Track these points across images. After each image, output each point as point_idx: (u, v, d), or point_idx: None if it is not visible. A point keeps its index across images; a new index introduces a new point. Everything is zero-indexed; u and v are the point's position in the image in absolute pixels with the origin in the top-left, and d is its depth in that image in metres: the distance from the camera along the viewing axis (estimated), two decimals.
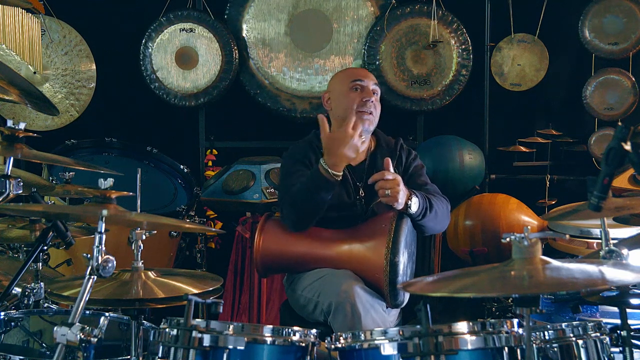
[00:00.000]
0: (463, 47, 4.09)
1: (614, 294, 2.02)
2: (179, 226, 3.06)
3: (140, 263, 2.02)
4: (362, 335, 1.73)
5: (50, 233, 2.19)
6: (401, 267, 2.47)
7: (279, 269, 2.85)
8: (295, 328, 1.77)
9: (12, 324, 2.20)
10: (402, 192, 2.48)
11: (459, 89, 4.13)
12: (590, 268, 1.53)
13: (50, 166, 3.63)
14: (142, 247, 2.01)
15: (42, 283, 2.31)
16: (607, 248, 1.95)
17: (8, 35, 2.83)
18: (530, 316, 1.53)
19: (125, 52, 4.21)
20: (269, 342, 1.72)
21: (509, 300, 3.43)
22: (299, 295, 2.64)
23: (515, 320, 1.71)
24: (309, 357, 1.77)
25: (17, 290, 2.29)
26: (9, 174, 2.07)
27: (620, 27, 3.96)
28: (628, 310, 1.90)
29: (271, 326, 1.73)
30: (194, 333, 1.64)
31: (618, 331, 1.87)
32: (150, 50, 4.14)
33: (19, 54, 2.95)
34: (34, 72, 3.94)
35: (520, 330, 1.69)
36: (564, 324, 1.86)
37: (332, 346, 1.79)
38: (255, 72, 4.24)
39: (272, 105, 4.25)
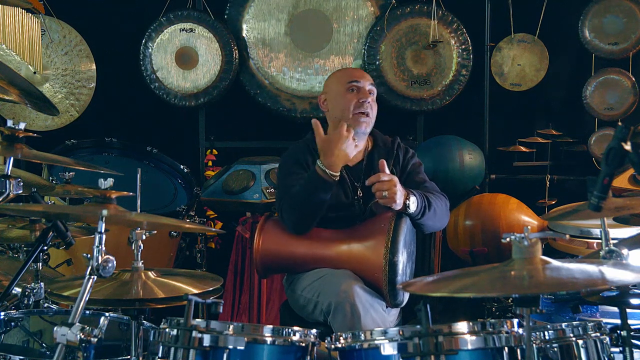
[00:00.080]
0: (463, 47, 4.09)
1: (614, 294, 2.02)
2: (179, 226, 3.06)
3: (140, 263, 2.02)
4: (362, 335, 1.73)
5: (50, 233, 2.19)
6: (400, 266, 2.47)
7: (279, 269, 2.85)
8: (295, 328, 1.77)
9: (12, 324, 2.20)
10: (400, 192, 2.48)
11: (459, 89, 4.13)
12: (590, 268, 1.53)
13: (50, 166, 3.63)
14: (142, 247, 2.01)
15: (42, 283, 2.31)
16: (607, 248, 1.95)
17: (8, 35, 2.83)
18: (530, 316, 1.53)
19: (125, 52, 4.21)
20: (269, 342, 1.72)
21: (509, 300, 3.43)
22: (299, 296, 2.64)
23: (515, 320, 1.71)
24: (309, 357, 1.77)
25: (17, 290, 2.29)
26: (9, 174, 2.07)
27: (620, 27, 3.96)
28: (628, 310, 1.90)
29: (271, 326, 1.73)
30: (194, 333, 1.64)
31: (618, 331, 1.87)
32: (150, 50, 4.14)
33: (19, 54, 2.95)
34: (34, 72, 3.94)
35: (520, 330, 1.69)
36: (564, 324, 1.86)
37: (332, 346, 1.79)
38: (255, 72, 4.24)
39: (272, 105, 4.25)
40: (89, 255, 1.73)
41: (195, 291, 1.92)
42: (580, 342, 1.83)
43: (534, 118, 4.33)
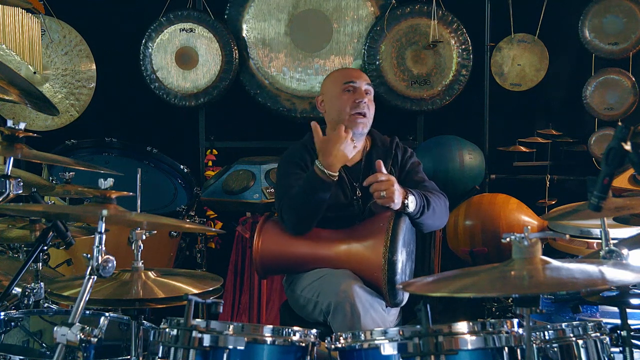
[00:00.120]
0: (463, 47, 4.09)
1: (614, 294, 2.02)
2: (179, 226, 3.06)
3: (140, 263, 2.02)
4: (362, 335, 1.73)
5: (50, 233, 2.19)
6: (399, 265, 2.47)
7: (279, 270, 2.85)
8: (295, 328, 1.77)
9: (12, 324, 2.20)
10: (398, 191, 2.48)
11: (459, 89, 4.13)
12: (590, 268, 1.53)
13: (50, 166, 3.63)
14: (142, 247, 2.01)
15: (42, 283, 2.31)
16: (607, 248, 1.95)
17: (8, 35, 2.83)
18: (530, 316, 1.53)
19: (125, 52, 4.21)
20: (269, 342, 1.72)
21: (509, 300, 3.43)
22: (299, 296, 2.64)
23: (515, 320, 1.71)
24: (309, 357, 1.77)
25: (17, 290, 2.29)
26: (9, 174, 2.07)
27: (620, 27, 3.96)
28: (628, 310, 1.90)
29: (271, 326, 1.73)
30: (194, 333, 1.64)
31: (618, 331, 1.87)
32: (150, 50, 4.14)
33: (19, 54, 2.96)
34: (34, 72, 3.94)
35: (520, 330, 1.69)
36: (564, 324, 1.86)
37: (332, 346, 1.79)
38: (255, 72, 4.24)
39: (272, 105, 4.25)
40: (89, 255, 1.73)
41: (195, 291, 1.93)
42: (580, 342, 1.83)
43: (534, 118, 4.33)
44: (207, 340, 1.65)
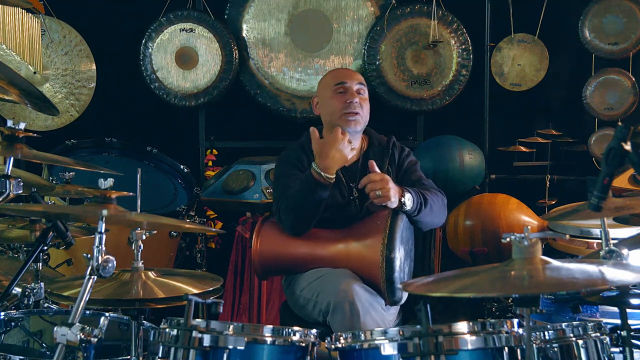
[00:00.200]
0: (463, 47, 4.09)
1: (614, 294, 2.02)
2: (179, 226, 3.06)
3: (140, 263, 2.02)
4: (362, 335, 1.73)
5: (50, 233, 2.19)
6: (397, 262, 2.47)
7: (278, 270, 2.85)
8: (295, 328, 1.77)
9: (12, 324, 2.20)
10: (393, 190, 2.49)
11: (459, 89, 4.13)
12: (590, 268, 1.53)
13: (50, 166, 3.63)
14: (142, 247, 2.01)
15: (42, 283, 2.31)
16: (607, 248, 1.95)
17: (8, 35, 2.83)
18: (530, 316, 1.53)
19: (125, 52, 4.21)
20: (269, 342, 1.72)
21: (509, 300, 3.43)
22: (298, 296, 2.64)
23: (515, 320, 1.71)
24: (309, 357, 1.77)
25: (17, 290, 2.29)
26: (9, 174, 2.07)
27: (620, 27, 3.96)
28: (628, 310, 1.90)
29: (271, 326, 1.73)
30: (194, 333, 1.64)
31: (618, 331, 1.87)
32: (150, 50, 4.14)
33: (19, 54, 2.96)
34: (34, 72, 3.94)
35: (520, 330, 1.69)
36: (564, 324, 1.86)
37: (332, 346, 1.79)
38: (255, 72, 4.24)
39: (272, 105, 4.24)
40: (89, 255, 1.73)
41: (195, 291, 1.93)
42: (580, 342, 1.83)
43: (534, 118, 4.33)
44: (207, 340, 1.65)
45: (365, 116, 2.74)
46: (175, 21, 4.14)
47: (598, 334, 1.85)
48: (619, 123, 3.29)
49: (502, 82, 4.17)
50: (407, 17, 4.10)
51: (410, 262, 2.70)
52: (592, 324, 1.87)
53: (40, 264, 2.33)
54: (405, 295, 2.56)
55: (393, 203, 2.50)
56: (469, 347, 1.63)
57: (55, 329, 1.67)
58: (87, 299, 1.71)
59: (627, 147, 1.43)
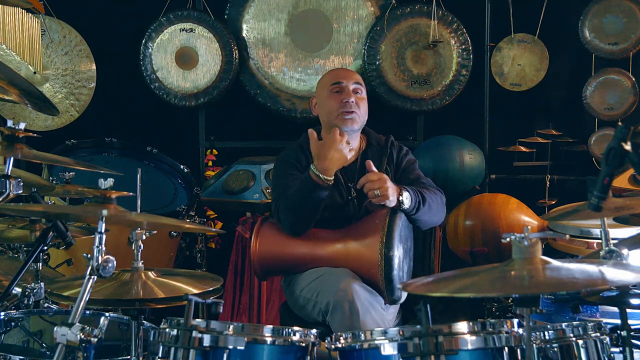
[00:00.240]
0: (463, 47, 4.09)
1: (614, 294, 2.02)
2: (179, 226, 3.06)
3: (140, 263, 2.02)
4: (362, 335, 1.73)
5: (50, 233, 2.19)
6: (396, 261, 2.47)
7: (277, 271, 2.85)
8: (295, 328, 1.77)
9: (12, 324, 2.20)
10: (391, 188, 2.49)
11: (459, 89, 4.13)
12: (590, 268, 1.53)
13: (50, 166, 3.63)
14: (142, 247, 2.01)
15: (42, 283, 2.31)
16: (607, 248, 1.95)
17: (8, 35, 2.83)
18: (530, 316, 1.53)
19: (125, 52, 4.21)
20: (269, 342, 1.72)
21: (509, 300, 3.43)
22: (298, 296, 2.64)
23: (515, 320, 1.71)
24: (309, 357, 1.77)
25: (17, 290, 2.29)
26: (9, 174, 2.07)
27: (620, 27, 3.96)
28: (628, 310, 1.90)
29: (271, 326, 1.73)
30: (194, 333, 1.64)
31: (618, 331, 1.87)
32: (150, 50, 4.14)
33: (19, 54, 2.95)
34: (34, 72, 3.94)
35: (520, 330, 1.69)
36: (564, 324, 1.86)
37: (332, 346, 1.79)
38: (255, 72, 4.24)
39: (272, 105, 4.25)
40: (89, 255, 1.73)
41: (195, 291, 1.92)
42: (580, 342, 1.83)
43: (534, 118, 4.33)
44: (207, 340, 1.65)
45: (363, 115, 2.74)
46: (175, 21, 4.14)
47: (598, 334, 1.85)
48: (619, 123, 3.29)
49: (502, 82, 4.17)
50: (407, 17, 4.10)
51: (410, 261, 2.70)
52: (592, 324, 1.87)
53: (40, 264, 2.33)
54: (404, 294, 2.56)
55: (391, 202, 2.50)
56: (469, 347, 1.63)
57: (55, 329, 1.67)
58: (87, 299, 1.71)
59: (627, 147, 1.43)
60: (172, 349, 1.66)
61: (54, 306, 2.40)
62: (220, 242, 4.20)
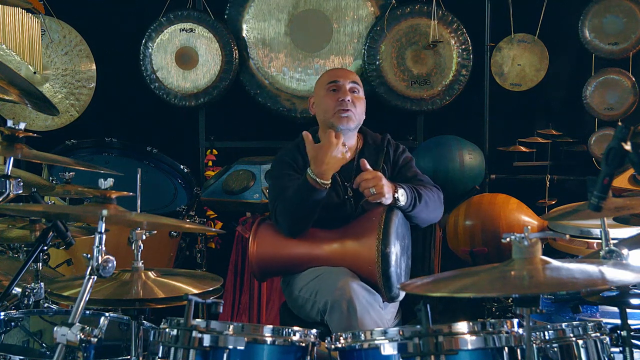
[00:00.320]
0: (463, 47, 4.09)
1: (614, 294, 2.02)
2: (179, 226, 3.06)
3: (140, 263, 2.02)
4: (362, 335, 1.73)
5: (50, 233, 2.19)
6: (393, 257, 2.47)
7: (276, 272, 2.86)
8: (295, 328, 1.77)
9: (12, 324, 2.20)
10: (387, 186, 2.50)
11: (459, 89, 4.13)
12: (590, 268, 1.53)
13: (50, 166, 3.63)
14: (142, 247, 2.01)
15: (42, 283, 2.31)
16: (607, 248, 1.95)
17: (8, 35, 2.83)
18: (530, 316, 1.53)
19: (125, 52, 4.21)
20: (269, 342, 1.72)
21: (509, 300, 3.43)
22: (297, 296, 2.64)
23: (515, 320, 1.71)
24: (309, 357, 1.77)
25: (17, 290, 2.29)
26: (9, 174, 2.07)
27: (620, 27, 3.96)
28: (628, 310, 1.90)
29: (271, 326, 1.74)
30: (194, 333, 1.64)
31: (618, 331, 1.87)
32: (150, 50, 4.14)
33: (19, 54, 2.96)
34: (34, 72, 3.94)
35: (520, 330, 1.69)
36: (564, 324, 1.86)
37: (332, 346, 1.79)
38: (255, 72, 4.24)
39: (272, 105, 4.24)
40: (89, 255, 1.73)
41: (195, 291, 1.93)
42: (580, 342, 1.83)
43: (534, 118, 4.33)
44: (207, 340, 1.65)
45: (359, 115, 2.75)
46: (175, 21, 4.14)
47: (598, 334, 1.85)
48: (619, 123, 3.29)
49: (502, 82, 4.16)
50: (407, 17, 4.10)
51: (407, 259, 2.70)
52: (592, 324, 1.87)
53: (40, 264, 2.33)
54: (402, 292, 2.56)
55: (387, 199, 2.51)
56: (469, 347, 1.63)
57: (55, 329, 1.67)
58: (87, 299, 1.71)
59: (627, 147, 1.43)
60: (172, 349, 1.66)
61: (54, 306, 2.40)
62: (220, 242, 4.20)
